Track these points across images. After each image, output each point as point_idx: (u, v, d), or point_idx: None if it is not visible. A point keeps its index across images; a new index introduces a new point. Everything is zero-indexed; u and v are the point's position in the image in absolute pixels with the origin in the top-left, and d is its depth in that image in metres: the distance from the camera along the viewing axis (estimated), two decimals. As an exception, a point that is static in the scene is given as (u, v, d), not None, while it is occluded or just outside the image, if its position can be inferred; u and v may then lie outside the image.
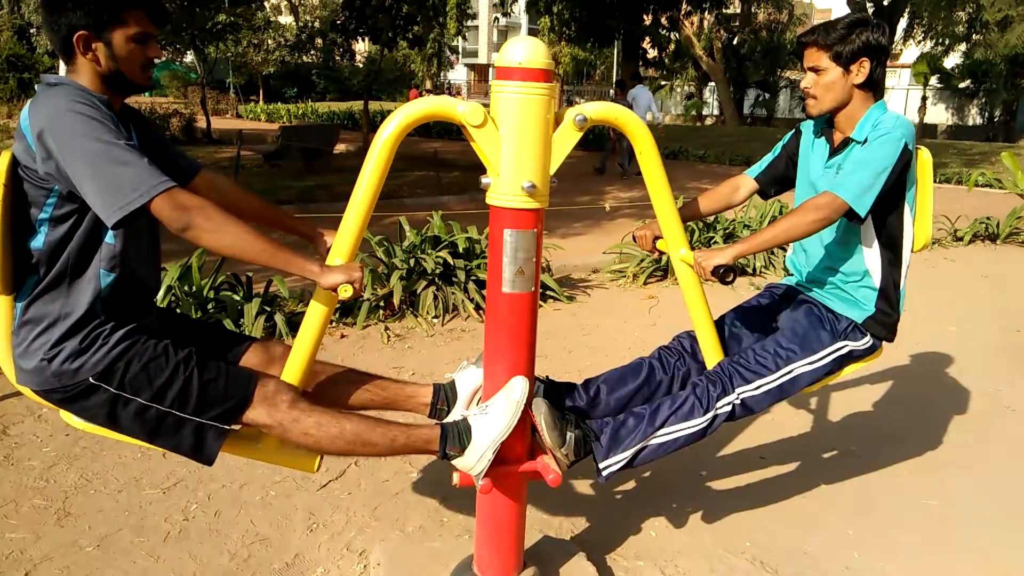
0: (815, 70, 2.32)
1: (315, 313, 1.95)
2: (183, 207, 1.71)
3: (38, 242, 1.82)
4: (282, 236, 2.15)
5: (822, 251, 2.50)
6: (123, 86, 1.89)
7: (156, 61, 1.95)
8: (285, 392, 1.92)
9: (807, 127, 2.58)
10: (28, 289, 1.86)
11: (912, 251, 2.45)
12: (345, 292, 1.81)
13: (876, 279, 2.42)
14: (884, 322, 2.45)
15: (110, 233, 1.84)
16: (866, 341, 2.44)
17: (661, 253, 2.56)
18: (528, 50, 1.82)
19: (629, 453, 2.15)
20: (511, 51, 1.83)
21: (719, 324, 2.53)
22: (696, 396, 2.23)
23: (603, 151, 13.98)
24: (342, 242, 1.91)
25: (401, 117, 1.85)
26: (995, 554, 2.67)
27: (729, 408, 2.23)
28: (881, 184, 2.22)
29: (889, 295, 2.44)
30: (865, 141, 2.29)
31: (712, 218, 7.37)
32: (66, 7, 1.79)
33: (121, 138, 1.73)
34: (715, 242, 6.91)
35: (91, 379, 1.84)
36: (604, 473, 2.14)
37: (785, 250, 2.81)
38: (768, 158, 2.68)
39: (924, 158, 2.42)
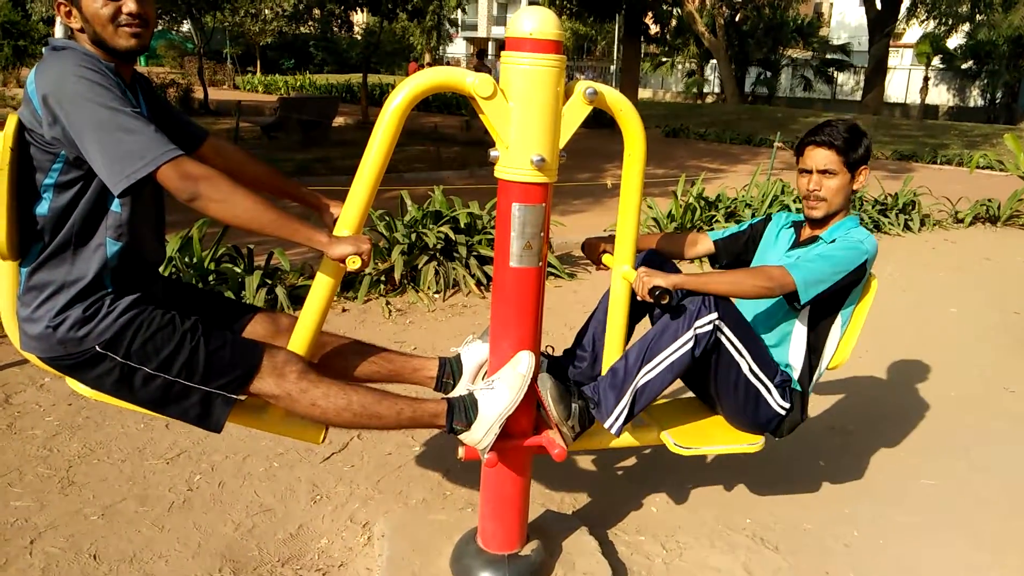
0: (827, 172, 2.32)
1: (321, 284, 1.93)
2: (190, 176, 1.70)
3: (43, 208, 1.80)
4: (287, 205, 2.13)
5: (756, 325, 2.44)
6: (111, 51, 1.82)
7: (136, 17, 1.80)
8: (294, 363, 1.91)
9: (778, 217, 2.62)
10: (33, 255, 1.84)
11: (827, 367, 2.44)
12: (353, 264, 1.80)
13: (795, 373, 2.39)
14: (797, 406, 2.37)
15: (117, 201, 1.82)
16: (783, 406, 2.32)
17: (605, 267, 2.47)
18: (539, 21, 1.79)
19: (626, 399, 2.15)
20: (521, 22, 1.80)
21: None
22: (672, 319, 2.17)
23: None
24: (349, 213, 1.89)
25: (409, 88, 1.83)
26: (992, 534, 2.69)
27: (709, 328, 2.14)
28: (832, 283, 2.23)
29: (804, 395, 2.40)
30: (832, 242, 2.33)
31: (715, 196, 7.35)
32: None
33: (128, 105, 1.71)
34: (716, 220, 6.90)
35: (97, 348, 1.83)
36: (613, 429, 2.15)
37: None
38: (732, 229, 2.69)
39: (873, 286, 2.42)
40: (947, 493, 2.95)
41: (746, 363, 2.24)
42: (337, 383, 1.94)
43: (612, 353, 2.25)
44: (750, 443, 2.35)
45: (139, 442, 2.98)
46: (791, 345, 2.39)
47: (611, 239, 2.29)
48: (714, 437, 2.36)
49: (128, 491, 2.67)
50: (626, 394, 2.15)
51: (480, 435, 1.96)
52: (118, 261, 1.86)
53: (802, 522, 2.70)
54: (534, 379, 2.03)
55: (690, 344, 2.14)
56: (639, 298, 2.16)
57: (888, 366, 4.21)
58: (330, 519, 2.58)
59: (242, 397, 1.92)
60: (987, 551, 2.59)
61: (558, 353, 2.51)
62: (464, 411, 1.98)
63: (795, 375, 2.38)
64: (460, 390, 2.23)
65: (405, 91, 1.82)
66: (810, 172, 2.36)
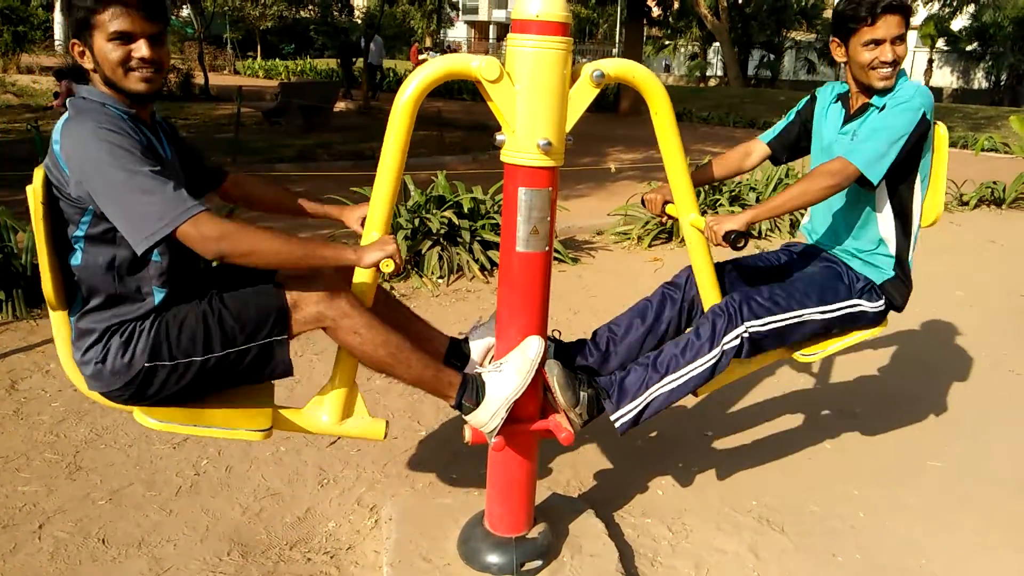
0: (898, 39, 2.23)
1: (361, 293, 1.98)
2: (209, 238, 1.72)
3: (76, 259, 1.85)
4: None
5: (837, 218, 2.48)
6: (125, 93, 1.83)
7: (148, 62, 1.80)
8: (331, 293, 1.91)
9: (823, 93, 2.55)
10: (78, 304, 1.90)
11: (921, 226, 2.43)
12: (387, 267, 1.83)
13: (891, 247, 2.41)
14: (900, 288, 2.44)
15: (156, 252, 1.85)
16: (879, 305, 2.42)
17: (671, 218, 2.53)
18: (545, 2, 1.78)
19: (638, 402, 2.16)
20: (528, 3, 1.78)
21: (728, 269, 2.53)
22: (701, 334, 2.19)
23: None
24: (375, 215, 1.91)
25: (418, 81, 1.81)
26: (999, 514, 2.70)
27: (737, 343, 2.18)
28: (895, 153, 2.18)
29: (904, 263, 2.43)
30: (883, 107, 2.26)
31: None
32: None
33: (147, 164, 1.72)
34: (720, 204, 6.87)
35: (146, 364, 1.88)
36: (618, 425, 2.16)
37: (802, 215, 2.79)
38: (782, 124, 2.65)
39: (940, 133, 2.38)
40: (954, 475, 2.95)
41: (815, 313, 2.28)
42: (380, 320, 1.96)
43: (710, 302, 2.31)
44: (871, 332, 2.47)
45: (145, 427, 2.98)
46: (879, 219, 2.39)
47: (666, 188, 2.32)
48: (834, 339, 2.45)
49: (135, 476, 2.68)
50: (640, 397, 2.17)
51: (487, 418, 1.97)
52: (163, 303, 1.92)
53: (808, 504, 2.71)
54: (542, 364, 2.03)
55: (714, 360, 2.17)
56: (714, 244, 2.19)
57: (894, 349, 4.21)
58: (337, 503, 2.59)
59: (287, 336, 1.94)
60: (995, 532, 2.60)
61: (565, 339, 2.51)
62: (475, 390, 1.99)
63: (891, 248, 2.39)
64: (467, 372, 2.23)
65: (414, 84, 1.81)
66: (882, 42, 2.23)
